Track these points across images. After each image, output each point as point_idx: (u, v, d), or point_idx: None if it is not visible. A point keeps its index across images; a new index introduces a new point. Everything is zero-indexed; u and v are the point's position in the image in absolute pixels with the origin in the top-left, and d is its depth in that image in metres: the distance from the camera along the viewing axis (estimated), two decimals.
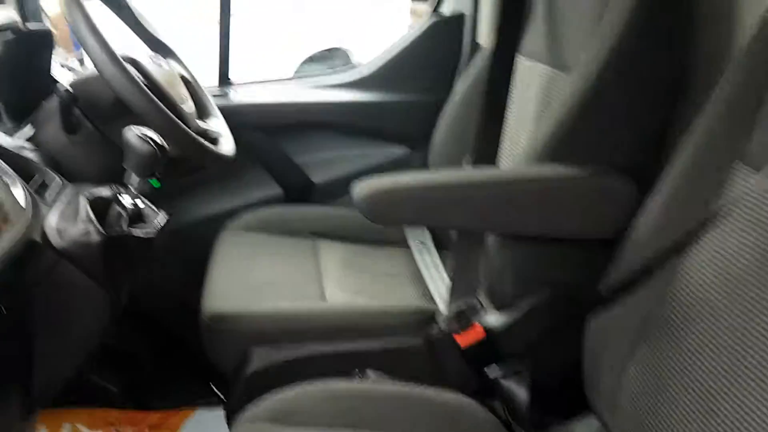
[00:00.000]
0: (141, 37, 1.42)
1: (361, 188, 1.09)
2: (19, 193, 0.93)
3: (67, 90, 1.17)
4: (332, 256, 1.53)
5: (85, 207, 0.98)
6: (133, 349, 1.67)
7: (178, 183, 1.74)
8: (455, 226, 1.23)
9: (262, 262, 1.47)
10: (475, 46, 1.78)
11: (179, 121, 1.16)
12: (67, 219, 0.98)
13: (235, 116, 1.74)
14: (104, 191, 1.07)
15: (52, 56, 1.48)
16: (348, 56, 4.75)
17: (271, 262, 1.47)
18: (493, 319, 1.15)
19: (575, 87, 1.12)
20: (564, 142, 1.12)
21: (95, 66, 1.11)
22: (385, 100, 1.86)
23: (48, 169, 1.11)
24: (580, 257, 1.15)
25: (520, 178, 1.13)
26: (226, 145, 1.36)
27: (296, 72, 4.35)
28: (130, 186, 1.03)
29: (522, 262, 1.18)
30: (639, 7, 1.05)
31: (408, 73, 1.87)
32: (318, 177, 1.87)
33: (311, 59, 4.56)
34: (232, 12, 1.81)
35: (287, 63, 4.19)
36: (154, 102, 1.12)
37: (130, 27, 1.40)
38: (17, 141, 1.19)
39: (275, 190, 1.85)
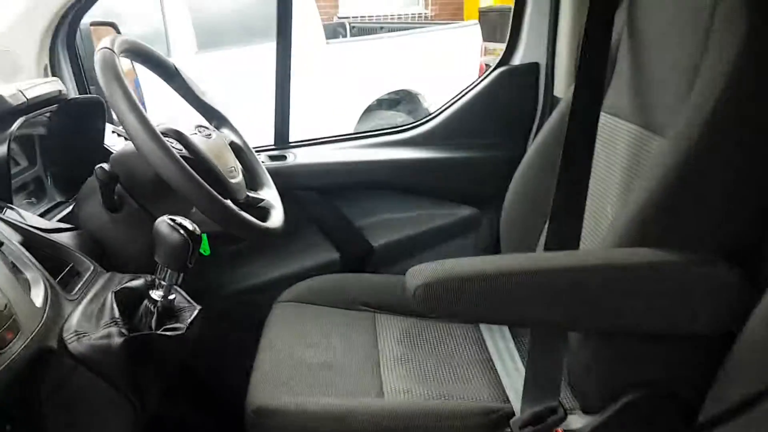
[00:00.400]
0: (192, 104, 1.35)
1: (415, 276, 0.95)
2: (38, 293, 0.85)
3: (101, 167, 1.10)
4: (392, 332, 1.40)
5: (110, 304, 0.89)
6: None
7: (230, 249, 1.67)
8: (529, 323, 1.07)
9: (314, 341, 1.34)
10: (551, 99, 1.63)
11: (220, 197, 1.07)
12: (89, 319, 0.89)
13: (291, 178, 1.67)
14: (137, 282, 0.98)
15: (106, 124, 1.44)
16: (417, 98, 4.69)
17: (325, 342, 1.34)
18: (579, 424, 1.01)
19: (671, 155, 0.95)
20: (659, 220, 0.96)
21: (132, 142, 1.03)
22: (451, 156, 1.73)
23: (82, 255, 1.04)
24: (681, 354, 0.98)
25: (608, 264, 0.96)
26: (276, 218, 1.26)
27: (363, 114, 4.33)
28: (159, 279, 0.93)
29: (611, 359, 1.01)
30: (744, 58, 0.90)
31: (476, 127, 1.73)
32: (378, 241, 1.75)
33: (379, 102, 4.53)
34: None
35: (354, 106, 4.16)
36: (194, 179, 1.03)
37: (181, 95, 1.33)
38: (54, 223, 1.13)
39: (332, 254, 1.74)
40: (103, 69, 1.03)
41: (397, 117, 4.45)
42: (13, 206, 1.07)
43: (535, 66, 1.68)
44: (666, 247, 0.94)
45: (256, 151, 1.74)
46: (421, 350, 1.34)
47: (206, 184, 1.04)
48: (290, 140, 1.79)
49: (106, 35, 1.78)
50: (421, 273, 0.95)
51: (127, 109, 1.01)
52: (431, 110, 4.50)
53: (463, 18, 7.90)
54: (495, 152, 1.71)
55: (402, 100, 4.53)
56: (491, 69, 1.74)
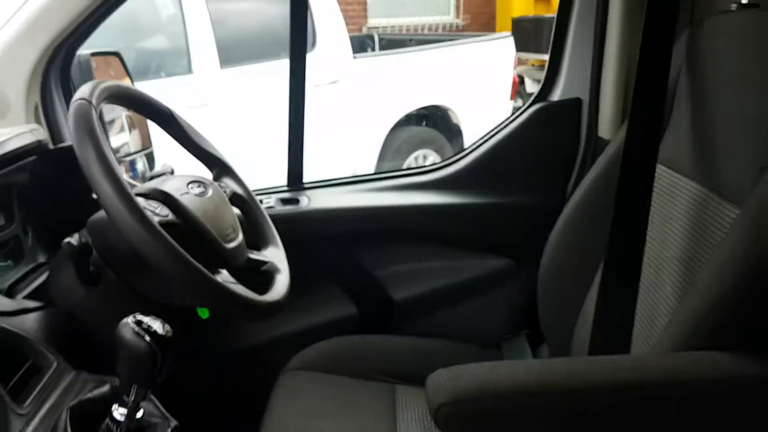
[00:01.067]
0: (190, 151, 1.20)
1: (437, 390, 0.78)
2: None
3: (68, 242, 0.95)
4: (414, 410, 1.23)
5: (64, 425, 0.74)
6: None
7: None
8: None
9: (324, 420, 1.19)
10: (595, 140, 1.44)
11: (205, 273, 0.91)
12: None
13: (304, 224, 1.52)
14: (100, 390, 0.82)
15: None
16: (448, 114, 4.50)
17: (338, 421, 1.18)
18: None
19: (754, 237, 0.77)
20: (734, 320, 0.78)
21: (105, 210, 0.88)
22: (482, 201, 1.55)
23: (45, 349, 0.89)
24: None
25: (678, 379, 0.78)
26: (279, 288, 1.09)
27: (391, 131, 4.16)
28: (124, 396, 0.77)
29: None
30: None
31: (510, 169, 1.55)
32: (400, 294, 1.58)
33: (407, 118, 4.35)
34: None
35: (382, 122, 4.00)
36: (175, 254, 0.88)
37: (178, 141, 1.18)
38: (19, 302, 0.98)
39: (350, 308, 1.57)
40: (75, 124, 0.90)
41: (426, 133, 4.27)
42: None
43: (576, 102, 1.50)
44: (744, 353, 0.76)
45: (266, 193, 1.60)
46: None
47: (191, 259, 0.89)
48: (304, 180, 1.62)
49: (108, 67, 1.65)
50: (445, 387, 0.78)
51: (99, 174, 0.87)
52: (461, 126, 4.39)
53: (495, 27, 7.71)
54: (531, 198, 1.53)
55: (431, 115, 4.35)
56: (527, 105, 1.55)
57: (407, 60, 4.25)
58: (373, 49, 5.31)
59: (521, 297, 1.54)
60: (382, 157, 4.01)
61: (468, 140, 4.42)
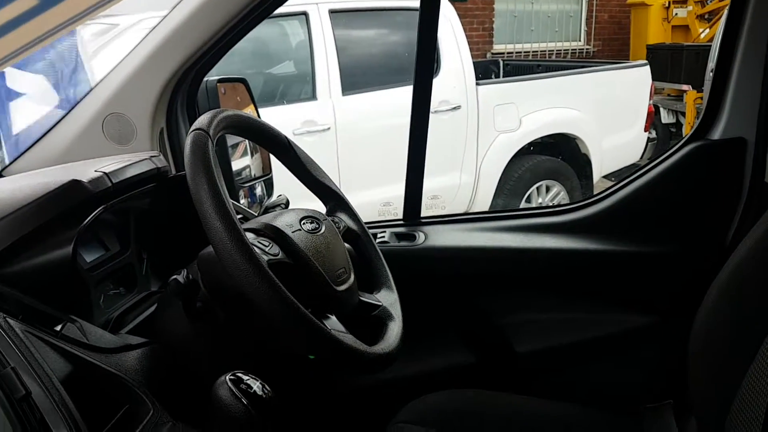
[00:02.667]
0: (305, 183, 1.14)
1: None
2: None
3: (175, 279, 0.90)
4: None
5: None
6: None
7: None
8: None
9: None
10: (760, 186, 1.24)
11: (314, 321, 0.84)
12: None
13: (420, 263, 1.42)
14: None
15: None
16: (576, 143, 4.27)
17: None
18: None
19: None
20: None
21: (214, 249, 0.83)
22: (624, 249, 1.37)
23: (144, 394, 0.83)
24: None
25: None
26: (390, 338, 0.99)
27: (513, 159, 3.99)
28: None
29: None
30: None
31: (658, 214, 1.37)
32: (524, 346, 1.43)
33: (532, 146, 4.16)
34: None
35: (504, 149, 3.85)
36: (283, 299, 0.81)
37: (293, 172, 1.13)
38: (122, 337, 0.94)
39: (467, 358, 1.44)
40: (190, 156, 0.87)
41: (551, 162, 4.06)
42: (75, 319, 0.89)
43: (740, 143, 1.29)
44: None
45: (380, 226, 1.51)
46: None
47: (298, 305, 0.82)
48: (422, 216, 1.52)
49: (235, 93, 1.64)
50: None
51: (210, 209, 0.83)
52: (591, 156, 4.14)
53: (628, 54, 7.34)
54: (681, 248, 1.34)
55: (558, 144, 4.13)
56: (681, 142, 1.36)
57: (533, 86, 4.08)
58: (498, 75, 5.17)
59: (667, 360, 1.34)
60: (500, 187, 3.86)
61: (597, 171, 4.17)
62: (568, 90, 4.13)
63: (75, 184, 0.94)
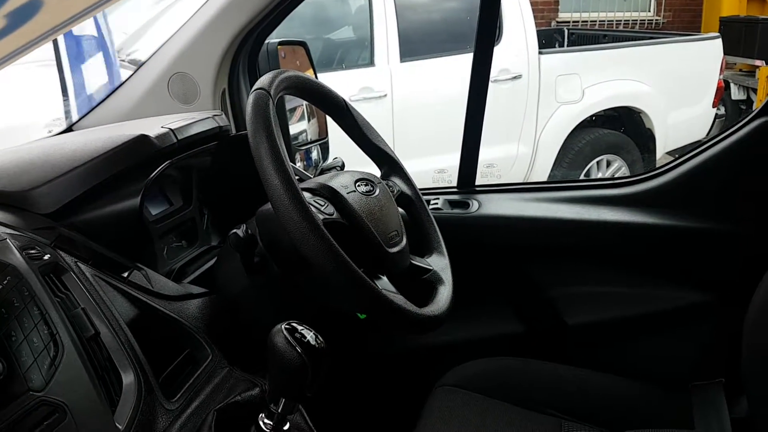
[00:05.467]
0: (360, 146, 1.15)
1: None
2: (126, 409, 0.69)
3: (235, 233, 0.93)
4: None
5: (208, 430, 0.70)
6: None
7: None
8: None
9: None
10: None
11: (366, 280, 0.85)
12: None
13: (473, 231, 1.41)
14: (250, 394, 0.79)
15: None
16: (639, 117, 4.12)
17: None
18: None
19: None
20: None
21: (272, 206, 0.85)
22: (684, 225, 1.33)
23: (204, 340, 0.87)
24: None
25: None
26: (440, 301, 1.00)
27: (574, 131, 3.89)
28: (272, 406, 0.72)
29: None
30: None
31: (722, 191, 1.32)
32: (574, 318, 1.41)
33: (594, 118, 4.04)
34: None
35: (565, 121, 3.76)
36: (336, 257, 0.83)
37: (349, 134, 1.14)
38: (185, 286, 0.99)
39: (516, 327, 1.44)
40: (252, 114, 0.87)
41: (613, 137, 3.95)
42: (142, 267, 0.94)
43: None
44: None
45: (434, 193, 1.51)
46: None
47: (351, 263, 0.83)
48: (476, 184, 1.51)
49: (294, 57, 1.66)
50: None
51: (270, 167, 0.84)
52: (655, 131, 4.00)
53: (700, 26, 7.00)
54: (744, 227, 1.28)
55: (621, 117, 4.01)
56: (747, 118, 1.30)
57: (599, 57, 3.95)
58: (562, 45, 5.03)
59: (720, 339, 1.31)
60: (559, 159, 3.78)
61: (661, 147, 4.04)
62: (635, 62, 3.98)
63: (143, 138, 0.98)
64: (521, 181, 3.70)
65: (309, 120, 1.70)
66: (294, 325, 0.72)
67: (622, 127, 4.02)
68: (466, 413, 1.15)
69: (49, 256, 0.77)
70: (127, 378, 0.72)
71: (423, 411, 1.17)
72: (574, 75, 3.76)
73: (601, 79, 3.83)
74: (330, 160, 1.42)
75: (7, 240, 0.68)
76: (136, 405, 0.70)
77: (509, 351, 1.32)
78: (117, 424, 0.67)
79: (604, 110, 3.92)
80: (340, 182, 1.00)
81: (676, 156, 1.39)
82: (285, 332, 0.70)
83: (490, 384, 1.22)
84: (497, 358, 1.29)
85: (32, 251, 0.75)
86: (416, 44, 3.45)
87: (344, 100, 1.12)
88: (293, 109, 1.61)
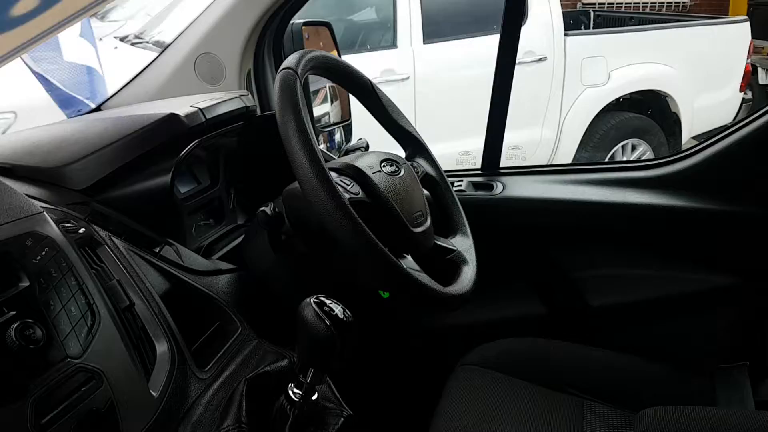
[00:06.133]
0: (385, 127, 1.16)
1: (649, 424, 0.66)
2: (160, 377, 0.71)
3: (263, 211, 0.94)
4: (602, 430, 1.09)
5: (239, 399, 0.73)
6: None
7: None
8: None
9: (504, 425, 1.09)
10: None
11: (391, 258, 0.86)
12: (213, 413, 0.74)
13: (497, 212, 1.41)
14: (279, 364, 0.81)
15: None
16: (666, 101, 4.06)
17: (518, 430, 1.08)
18: None
19: None
20: None
21: (299, 184, 0.86)
22: (711, 208, 1.31)
23: (233, 314, 0.89)
24: None
25: None
26: (464, 280, 1.01)
27: (599, 114, 3.84)
28: (301, 376, 0.74)
29: None
30: None
31: (751, 174, 1.30)
32: (597, 300, 1.41)
33: (620, 102, 3.99)
34: None
35: (590, 104, 3.72)
36: (362, 234, 0.84)
37: (375, 116, 1.14)
38: (214, 262, 1.01)
39: (538, 309, 1.44)
40: (280, 93, 0.88)
41: (638, 120, 3.90)
42: (172, 242, 0.96)
43: None
44: None
45: (458, 175, 1.51)
46: None
47: (377, 241, 0.84)
48: (500, 166, 1.51)
49: (318, 37, 1.66)
50: (658, 428, 0.65)
51: (297, 146, 0.85)
52: (681, 116, 3.93)
53: (728, 9, 6.86)
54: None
55: (646, 101, 3.95)
56: None
57: (625, 39, 3.90)
58: (587, 27, 4.96)
59: (745, 322, 1.30)
60: (583, 144, 3.75)
61: (686, 131, 3.98)
62: (661, 45, 3.92)
63: (173, 117, 1.00)
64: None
65: (332, 102, 1.70)
66: (322, 299, 0.73)
67: (647, 111, 3.96)
68: (487, 391, 1.16)
69: (84, 229, 0.79)
70: (161, 347, 0.75)
71: (445, 388, 1.19)
72: (600, 57, 3.71)
73: (627, 62, 3.78)
74: (354, 141, 1.43)
75: (44, 213, 0.70)
76: (169, 373, 0.72)
77: (532, 332, 1.33)
78: (152, 392, 0.69)
79: (630, 94, 3.86)
80: (365, 162, 1.00)
81: (702, 140, 1.38)
82: (314, 306, 0.72)
83: (512, 363, 1.22)
84: (520, 338, 1.29)
85: (68, 225, 0.77)
86: (440, 26, 3.42)
87: (370, 81, 1.12)
88: (316, 91, 1.61)
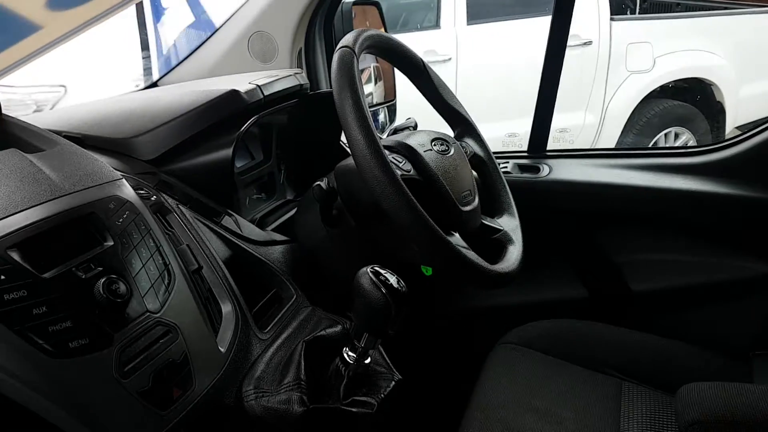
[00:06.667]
0: (436, 107, 1.18)
1: (689, 398, 0.68)
2: (227, 335, 0.76)
3: (318, 185, 0.98)
4: (639, 411, 1.11)
5: (298, 359, 0.77)
6: None
7: None
8: None
9: (542, 406, 1.12)
10: None
11: (442, 234, 0.88)
12: (274, 371, 0.78)
13: (542, 195, 1.43)
14: (333, 330, 0.85)
15: None
16: (711, 90, 3.98)
17: (556, 411, 1.11)
18: None
19: None
20: None
21: (354, 160, 0.89)
22: (758, 196, 1.31)
23: (288, 282, 0.94)
24: None
25: None
26: (510, 259, 1.03)
27: (641, 102, 3.79)
28: (355, 341, 0.78)
29: None
30: None
31: None
32: (639, 285, 1.42)
33: (663, 90, 3.92)
34: None
35: (632, 91, 3.67)
36: (414, 210, 0.86)
37: (425, 95, 1.17)
38: (269, 234, 1.05)
39: (580, 292, 1.46)
40: (338, 71, 0.91)
41: (683, 109, 3.83)
42: (232, 213, 1.00)
43: None
44: None
45: (504, 157, 1.53)
46: None
47: (427, 218, 0.87)
48: (547, 148, 1.52)
49: (365, 17, 1.69)
50: (700, 403, 0.67)
51: (354, 122, 0.87)
52: (725, 105, 3.85)
53: None
54: None
55: (691, 89, 3.87)
56: None
57: (672, 26, 3.82)
58: (633, 12, 4.86)
59: None
60: (626, 130, 3.70)
61: (731, 121, 3.90)
62: (709, 32, 3.83)
63: (234, 93, 1.04)
64: None
65: (375, 83, 1.73)
66: (377, 269, 0.77)
67: (692, 99, 3.89)
68: (526, 369, 1.19)
69: (155, 197, 0.84)
70: (226, 308, 0.79)
71: (484, 365, 1.22)
72: (646, 43, 3.65)
73: (673, 49, 3.71)
74: (403, 120, 1.46)
75: (123, 179, 0.74)
76: (234, 332, 0.77)
77: (572, 315, 1.34)
78: (219, 348, 0.74)
79: (675, 81, 3.79)
80: (417, 140, 1.03)
81: (747, 130, 1.37)
82: (371, 275, 0.75)
83: (551, 343, 1.25)
84: (560, 319, 1.31)
85: (141, 191, 0.82)
86: (484, 7, 3.40)
87: (422, 61, 1.14)
88: (361, 72, 1.64)
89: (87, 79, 2.50)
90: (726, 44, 3.80)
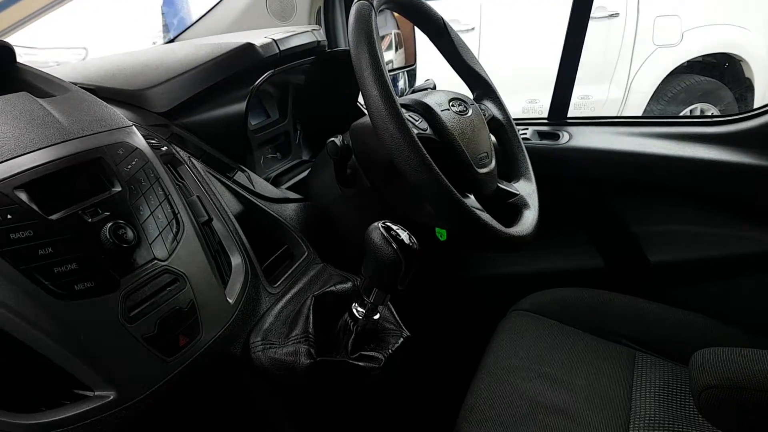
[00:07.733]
0: (455, 68, 1.16)
1: (702, 365, 0.66)
2: (236, 287, 0.76)
3: (332, 142, 0.96)
4: (652, 381, 1.09)
5: (307, 312, 0.76)
6: None
7: None
8: None
9: (553, 373, 1.11)
10: None
11: (457, 195, 0.86)
12: (282, 324, 0.77)
13: (561, 162, 1.40)
14: (343, 286, 0.84)
15: None
16: (740, 66, 3.87)
17: (567, 378, 1.10)
18: None
19: None
20: None
21: (369, 117, 0.87)
22: None
23: (300, 238, 0.93)
24: None
25: None
26: (526, 223, 1.01)
27: (668, 76, 3.70)
28: (364, 296, 0.77)
29: None
30: None
31: None
32: (657, 256, 1.40)
33: (690, 65, 3.83)
34: None
35: (659, 64, 3.59)
36: (430, 170, 0.84)
37: (445, 55, 1.14)
38: (282, 191, 1.04)
39: (596, 261, 1.43)
40: (354, 24, 0.88)
41: (710, 84, 3.74)
42: (245, 169, 1.00)
43: None
44: None
45: (524, 123, 1.50)
46: (680, 411, 1.02)
47: (443, 178, 0.85)
48: (568, 116, 1.49)
49: None
50: (712, 369, 0.65)
51: (370, 77, 0.85)
52: (754, 81, 3.75)
53: None
54: None
55: (719, 65, 3.78)
56: None
57: None
58: None
59: None
60: (651, 105, 3.63)
61: (759, 98, 3.80)
62: (739, 6, 3.72)
63: (249, 46, 1.02)
64: None
65: (396, 50, 1.70)
66: (389, 224, 0.75)
67: (719, 75, 3.80)
68: (538, 335, 1.17)
69: (166, 148, 0.83)
70: (236, 260, 0.79)
71: (496, 330, 1.21)
72: (674, 16, 3.55)
73: (702, 23, 3.61)
74: (422, 81, 1.43)
75: (133, 126, 0.73)
76: (243, 284, 0.77)
77: (587, 284, 1.32)
78: (228, 299, 0.73)
79: (703, 56, 3.70)
80: (434, 99, 1.01)
81: None
82: (382, 230, 0.74)
83: (564, 311, 1.23)
84: (574, 288, 1.29)
85: (152, 141, 0.82)
86: None
87: (443, 19, 1.12)
88: (381, 38, 1.61)
89: (107, 40, 2.50)
90: (757, 19, 3.68)
